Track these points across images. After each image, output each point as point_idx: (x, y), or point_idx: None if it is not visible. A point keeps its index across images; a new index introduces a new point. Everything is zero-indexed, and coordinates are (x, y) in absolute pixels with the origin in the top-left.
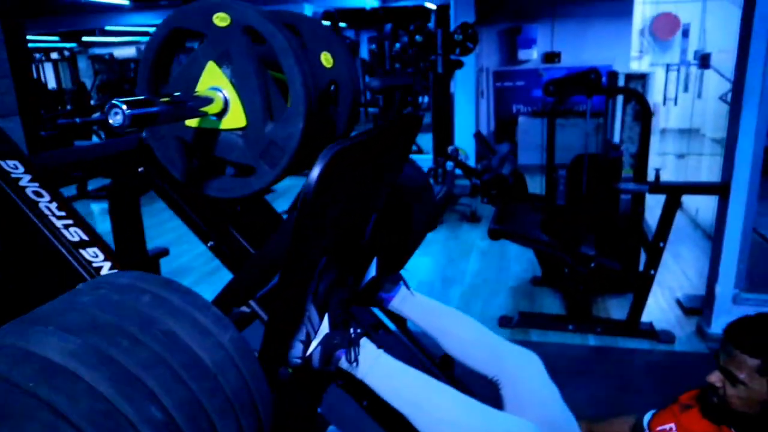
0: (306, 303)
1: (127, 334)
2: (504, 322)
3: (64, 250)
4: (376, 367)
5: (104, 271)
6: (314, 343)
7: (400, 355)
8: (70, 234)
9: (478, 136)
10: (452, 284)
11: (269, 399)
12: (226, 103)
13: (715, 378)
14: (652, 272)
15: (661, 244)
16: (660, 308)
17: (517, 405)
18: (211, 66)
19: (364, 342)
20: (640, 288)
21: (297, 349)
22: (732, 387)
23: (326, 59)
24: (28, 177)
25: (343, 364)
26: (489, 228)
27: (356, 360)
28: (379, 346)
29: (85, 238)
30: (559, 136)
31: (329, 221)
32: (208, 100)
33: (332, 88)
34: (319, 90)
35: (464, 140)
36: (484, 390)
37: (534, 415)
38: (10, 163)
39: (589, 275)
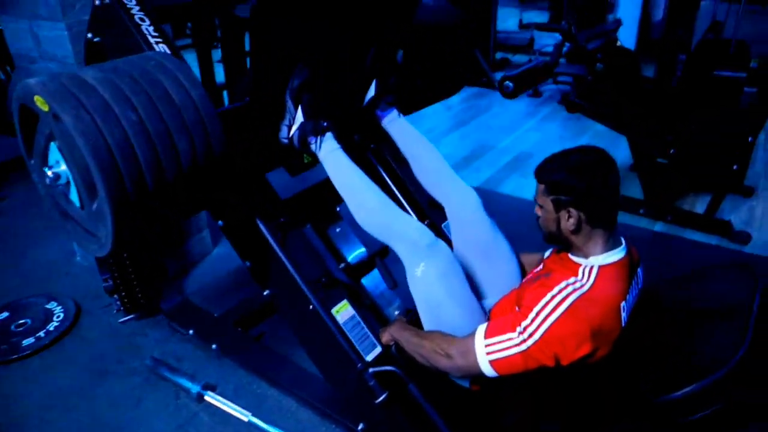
0: (285, 95)
1: (130, 76)
2: None
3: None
4: (331, 155)
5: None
6: (294, 128)
7: None
8: (159, 49)
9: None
10: None
11: (219, 134)
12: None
13: (536, 209)
14: (735, 167)
15: (750, 139)
16: (754, 213)
17: (457, 225)
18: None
19: (328, 136)
20: (721, 182)
21: (283, 131)
22: (540, 212)
23: None
24: (137, 7)
25: (313, 148)
26: (567, 99)
27: (320, 146)
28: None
29: (168, 52)
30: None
31: (294, 33)
32: None
33: None
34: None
35: (627, 16)
36: None
37: (468, 234)
38: None
39: (668, 163)
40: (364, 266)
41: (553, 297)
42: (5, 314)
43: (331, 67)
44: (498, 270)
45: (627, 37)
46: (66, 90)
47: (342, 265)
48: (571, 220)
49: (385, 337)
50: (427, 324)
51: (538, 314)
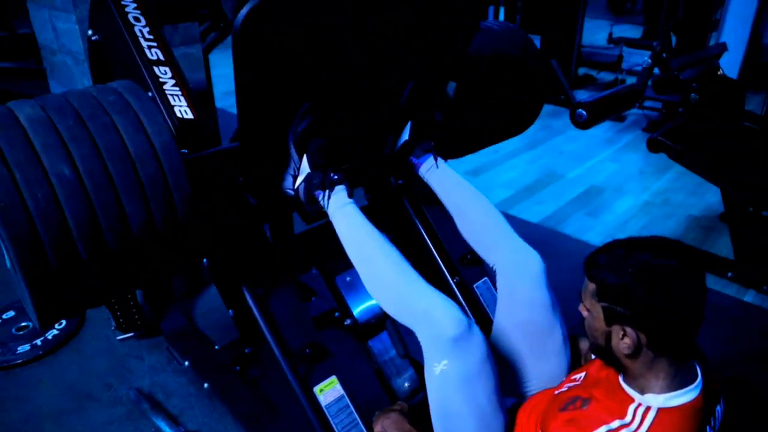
0: (288, 140)
1: (76, 117)
2: None
3: (141, 64)
4: (341, 211)
5: (167, 87)
6: (299, 179)
7: None
8: (151, 54)
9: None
10: (624, 195)
11: (187, 195)
12: None
13: (580, 307)
14: None
15: None
16: None
17: (507, 298)
18: None
19: (339, 189)
20: None
21: (288, 181)
22: (586, 315)
23: None
24: (133, 5)
25: (321, 201)
26: (649, 136)
27: (328, 201)
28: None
29: (161, 58)
30: None
31: (301, 59)
32: None
33: None
34: None
35: (733, 37)
36: None
37: (519, 313)
38: None
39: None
40: (373, 326)
41: None
42: (11, 313)
43: (351, 108)
44: (543, 362)
45: (732, 59)
46: None
47: (348, 321)
48: (626, 341)
49: (377, 428)
50: (437, 428)
51: None
